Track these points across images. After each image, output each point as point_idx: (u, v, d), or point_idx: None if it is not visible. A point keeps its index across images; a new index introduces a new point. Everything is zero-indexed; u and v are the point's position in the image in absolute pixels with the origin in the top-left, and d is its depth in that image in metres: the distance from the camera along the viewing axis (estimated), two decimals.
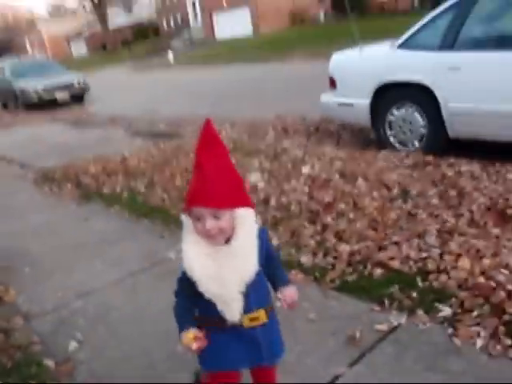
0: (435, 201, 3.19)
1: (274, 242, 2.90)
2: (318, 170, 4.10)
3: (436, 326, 2.00)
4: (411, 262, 2.45)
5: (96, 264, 3.10)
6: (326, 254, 2.70)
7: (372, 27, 15.01)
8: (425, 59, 4.17)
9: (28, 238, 3.72)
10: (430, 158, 4.09)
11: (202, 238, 1.33)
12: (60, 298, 2.71)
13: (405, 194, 3.41)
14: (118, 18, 46.49)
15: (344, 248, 2.69)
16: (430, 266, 2.36)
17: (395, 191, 3.46)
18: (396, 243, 2.63)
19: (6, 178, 5.84)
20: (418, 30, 4.28)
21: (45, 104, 13.10)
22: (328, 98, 5.15)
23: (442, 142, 4.25)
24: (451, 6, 4.14)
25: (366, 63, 4.74)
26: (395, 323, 2.06)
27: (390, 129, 4.62)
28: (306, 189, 3.70)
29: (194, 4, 39.60)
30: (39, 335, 2.36)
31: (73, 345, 2.23)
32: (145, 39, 41.68)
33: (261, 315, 1.40)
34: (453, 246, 2.49)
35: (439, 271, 2.31)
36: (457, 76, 3.95)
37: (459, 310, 2.04)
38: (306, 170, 4.16)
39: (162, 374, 1.98)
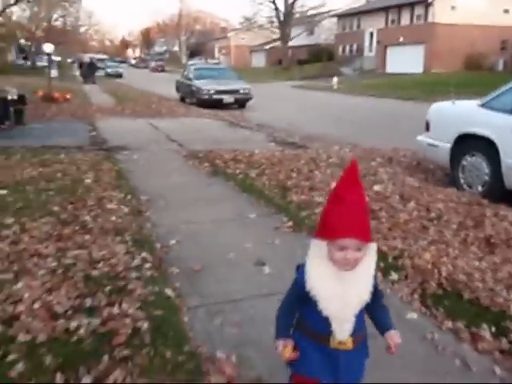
0: (454, 226, 4.10)
1: None
2: (385, 189, 5.16)
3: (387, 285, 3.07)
4: (406, 253, 3.49)
5: (204, 210, 4.64)
6: None
7: None
8: (496, 119, 4.98)
9: (168, 188, 5.43)
10: (482, 200, 4.88)
11: (335, 264, 1.48)
12: (174, 221, 4.27)
13: (437, 218, 4.34)
14: (299, 38, 49.85)
15: None
16: (406, 253, 3.41)
17: (432, 214, 4.41)
18: (395, 237, 3.69)
19: (167, 152, 7.80)
20: (498, 95, 5.10)
21: (213, 103, 15.56)
22: (422, 138, 6.11)
23: (499, 191, 5.00)
24: None
25: (455, 114, 5.64)
26: None
27: (463, 172, 5.45)
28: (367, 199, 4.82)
29: (371, 35, 40.97)
30: (156, 234, 3.93)
31: (172, 242, 3.74)
32: (319, 61, 44.05)
33: (348, 342, 1.54)
34: (430, 247, 3.49)
35: (409, 257, 3.35)
36: None
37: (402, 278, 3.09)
38: (377, 187, 5.24)
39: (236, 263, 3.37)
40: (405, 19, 37.60)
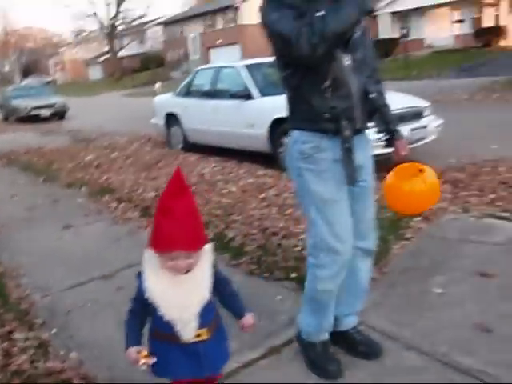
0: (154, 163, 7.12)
1: None
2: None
3: None
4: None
5: None
6: None
7: None
8: (178, 102, 8.23)
9: None
10: (180, 151, 8.02)
11: (168, 270, 1.54)
12: None
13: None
14: (131, 47, 51.88)
15: None
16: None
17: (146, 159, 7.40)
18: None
19: None
20: (181, 86, 8.34)
21: (32, 118, 17.49)
22: (152, 120, 9.19)
23: (188, 144, 8.19)
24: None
25: (163, 102, 8.82)
26: None
27: (170, 137, 8.62)
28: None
29: (194, 39, 44.77)
30: None
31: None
32: (150, 69, 46.62)
33: (202, 333, 1.60)
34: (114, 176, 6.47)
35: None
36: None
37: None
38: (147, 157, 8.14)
39: None
40: (219, 23, 41.99)
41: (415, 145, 5.84)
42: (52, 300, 3.07)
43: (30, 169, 7.77)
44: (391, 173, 2.24)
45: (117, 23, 48.47)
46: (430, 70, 20.55)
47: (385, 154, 2.45)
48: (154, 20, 51.97)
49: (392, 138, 2.22)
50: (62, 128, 15.49)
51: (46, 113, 17.76)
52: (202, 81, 8.05)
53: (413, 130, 5.64)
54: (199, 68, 8.67)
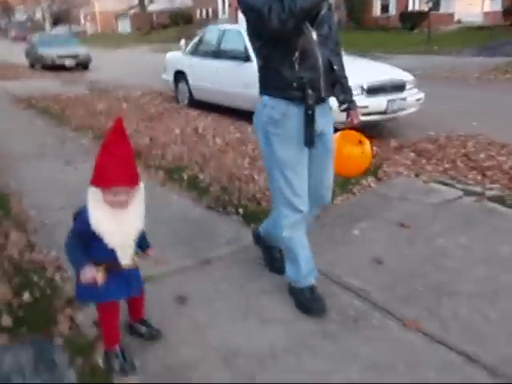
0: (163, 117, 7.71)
1: None
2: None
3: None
4: None
5: (12, 123, 7.82)
6: None
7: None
8: (186, 60, 8.78)
9: None
10: (187, 107, 8.59)
11: (110, 205, 1.81)
12: None
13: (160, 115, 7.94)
14: (161, 2, 51.78)
15: None
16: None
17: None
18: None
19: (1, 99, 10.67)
20: (190, 45, 8.83)
21: (57, 67, 18.15)
22: (163, 76, 9.72)
23: (193, 101, 8.73)
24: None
25: (172, 59, 9.35)
26: None
27: (178, 93, 9.18)
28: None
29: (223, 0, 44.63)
30: None
31: None
32: (178, 25, 46.60)
33: (137, 260, 1.98)
34: None
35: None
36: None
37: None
38: (153, 109, 8.75)
39: None
40: None
41: (394, 115, 6.31)
42: (44, 216, 3.74)
43: (46, 113, 8.45)
44: (337, 135, 2.63)
45: None
46: (453, 46, 20.43)
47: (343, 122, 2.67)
48: None
49: (348, 108, 2.50)
50: (83, 78, 16.12)
51: (70, 62, 18.39)
52: (209, 41, 8.52)
53: (390, 100, 6.08)
54: (208, 28, 9.13)
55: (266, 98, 2.29)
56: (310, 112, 2.20)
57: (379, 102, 5.99)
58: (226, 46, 7.88)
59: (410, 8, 29.97)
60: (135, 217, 1.90)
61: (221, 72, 7.72)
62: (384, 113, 6.08)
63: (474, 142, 5.94)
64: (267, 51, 2.20)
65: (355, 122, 2.54)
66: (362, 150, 2.70)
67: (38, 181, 4.66)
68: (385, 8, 32.94)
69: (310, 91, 2.17)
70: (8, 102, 10.20)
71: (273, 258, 2.90)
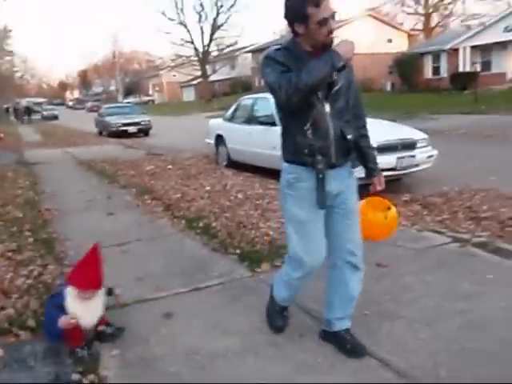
0: (204, 176, 8.61)
1: None
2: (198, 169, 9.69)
3: None
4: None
5: (77, 182, 8.98)
6: None
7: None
8: (224, 125, 9.77)
9: (61, 176, 9.76)
10: (224, 167, 9.47)
11: (81, 299, 2.66)
12: (58, 187, 8.60)
13: (198, 174, 8.85)
14: (222, 72, 55.47)
15: None
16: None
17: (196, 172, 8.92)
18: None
19: (68, 162, 12.09)
20: (227, 113, 9.83)
21: (120, 133, 20.06)
22: (206, 140, 10.75)
23: (231, 162, 9.59)
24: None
25: (214, 125, 10.37)
26: None
27: (218, 155, 10.10)
28: None
29: None
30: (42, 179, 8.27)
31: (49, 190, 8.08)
32: (238, 93, 49.43)
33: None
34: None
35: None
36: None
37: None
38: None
39: None
40: None
41: (405, 171, 6.80)
42: (79, 253, 4.51)
43: (102, 174, 9.60)
44: (363, 201, 2.81)
45: (210, 49, 52.25)
46: (501, 105, 20.53)
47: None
48: (245, 47, 55.19)
49: (371, 175, 2.73)
50: (141, 143, 17.72)
51: (133, 129, 20.32)
52: (244, 108, 9.54)
53: (399, 158, 6.60)
54: (242, 98, 10.15)
55: (285, 164, 2.57)
56: (320, 176, 2.41)
57: (389, 160, 6.50)
58: (257, 112, 8.81)
59: (461, 69, 30.44)
60: (97, 306, 2.74)
61: (253, 135, 8.59)
62: (394, 169, 6.58)
63: (483, 195, 6.21)
64: (285, 121, 2.50)
65: (378, 188, 2.74)
66: (385, 215, 2.82)
67: (80, 228, 5.51)
68: (436, 70, 33.64)
69: (319, 157, 2.38)
70: (72, 165, 11.58)
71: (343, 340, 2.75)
